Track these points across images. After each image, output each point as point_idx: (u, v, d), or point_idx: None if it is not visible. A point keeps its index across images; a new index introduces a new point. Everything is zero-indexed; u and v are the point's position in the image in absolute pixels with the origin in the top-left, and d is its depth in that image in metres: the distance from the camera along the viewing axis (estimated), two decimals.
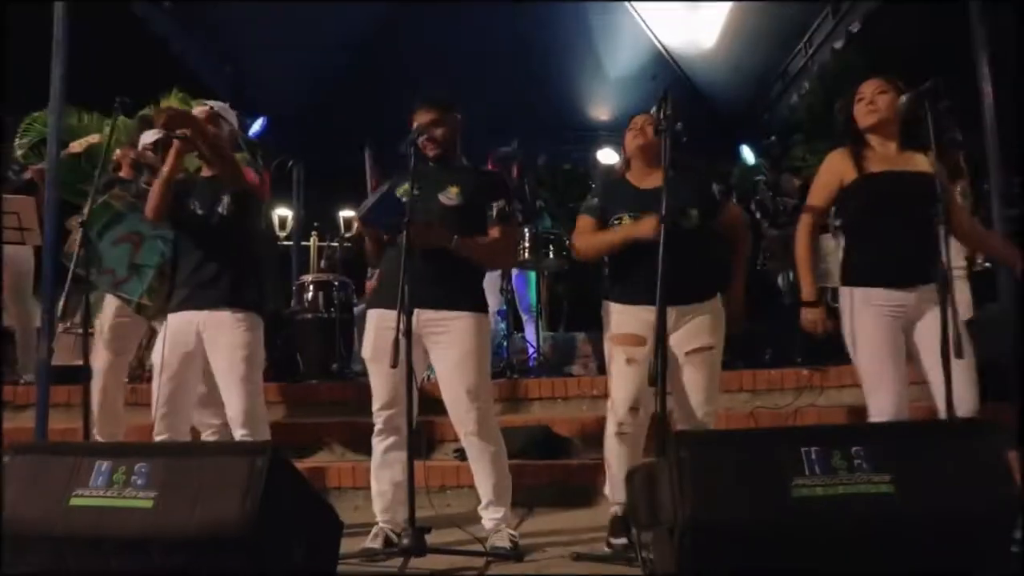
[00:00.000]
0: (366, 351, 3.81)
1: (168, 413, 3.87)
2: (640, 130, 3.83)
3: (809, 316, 3.66)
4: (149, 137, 5.03)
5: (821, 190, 3.67)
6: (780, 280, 6.64)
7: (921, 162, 3.50)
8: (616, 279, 3.83)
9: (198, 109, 4.25)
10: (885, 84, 3.60)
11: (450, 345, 3.67)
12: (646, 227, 3.49)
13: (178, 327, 3.91)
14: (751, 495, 2.58)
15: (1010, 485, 2.64)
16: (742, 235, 3.91)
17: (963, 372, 3.26)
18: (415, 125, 3.77)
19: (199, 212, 3.97)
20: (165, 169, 3.92)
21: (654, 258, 3.28)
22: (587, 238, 3.82)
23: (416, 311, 3.50)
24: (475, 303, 3.76)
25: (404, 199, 3.59)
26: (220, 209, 3.95)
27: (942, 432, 2.90)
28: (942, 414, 3.34)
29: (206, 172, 4.11)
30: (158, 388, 3.87)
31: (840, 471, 2.59)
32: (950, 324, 3.13)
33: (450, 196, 3.73)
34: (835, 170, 3.63)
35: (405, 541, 3.30)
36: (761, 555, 2.59)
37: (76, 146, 6.38)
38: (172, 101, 10.71)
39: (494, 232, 3.77)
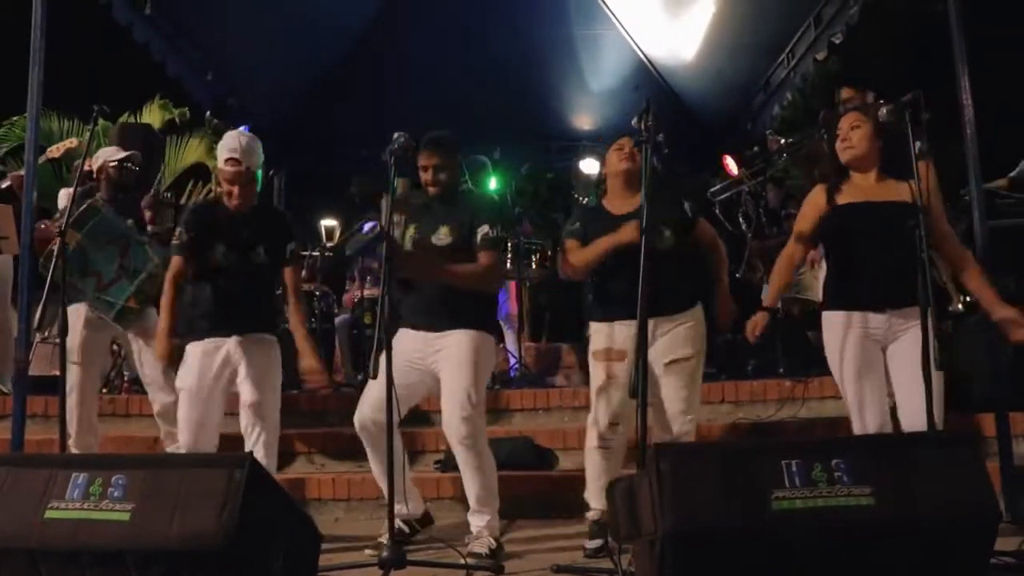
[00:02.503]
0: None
1: (198, 439, 3.94)
2: (629, 155, 3.93)
3: (755, 318, 3.87)
4: (113, 155, 5.02)
5: (803, 220, 3.83)
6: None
7: (900, 190, 3.57)
8: (597, 299, 4.00)
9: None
10: (860, 118, 3.73)
11: (449, 356, 3.84)
12: (627, 231, 3.65)
13: (205, 352, 4.01)
14: (731, 507, 2.58)
15: (989, 496, 2.65)
16: (716, 246, 4.10)
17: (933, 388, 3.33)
18: (420, 165, 3.94)
19: (231, 254, 4.03)
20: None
21: (630, 274, 3.40)
22: (577, 253, 3.94)
23: (425, 335, 3.86)
24: (474, 321, 3.90)
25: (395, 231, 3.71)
26: (257, 259, 4.06)
27: (922, 444, 2.90)
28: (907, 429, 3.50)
29: (231, 202, 4.07)
30: (187, 412, 3.96)
31: (820, 483, 2.60)
32: (931, 340, 3.19)
33: (440, 237, 3.91)
34: (814, 202, 3.78)
35: (385, 554, 3.28)
36: (741, 567, 2.60)
37: (54, 151, 6.34)
38: (154, 109, 10.73)
39: (481, 258, 3.88)
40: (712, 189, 7.38)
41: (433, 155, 3.93)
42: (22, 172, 5.62)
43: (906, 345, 3.49)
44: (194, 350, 4.03)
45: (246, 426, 3.98)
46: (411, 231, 3.94)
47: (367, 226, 6.99)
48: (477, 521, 3.84)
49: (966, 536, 2.64)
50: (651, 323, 3.58)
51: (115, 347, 5.55)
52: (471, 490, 3.84)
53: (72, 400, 4.55)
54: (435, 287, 3.85)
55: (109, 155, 5.05)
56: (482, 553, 3.66)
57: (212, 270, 4.04)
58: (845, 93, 5.26)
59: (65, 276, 3.97)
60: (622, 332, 3.82)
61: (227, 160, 4.04)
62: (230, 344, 4.00)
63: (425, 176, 3.96)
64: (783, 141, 6.21)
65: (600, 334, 3.93)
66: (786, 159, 6.38)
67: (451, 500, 4.59)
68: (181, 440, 3.97)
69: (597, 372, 3.90)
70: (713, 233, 4.13)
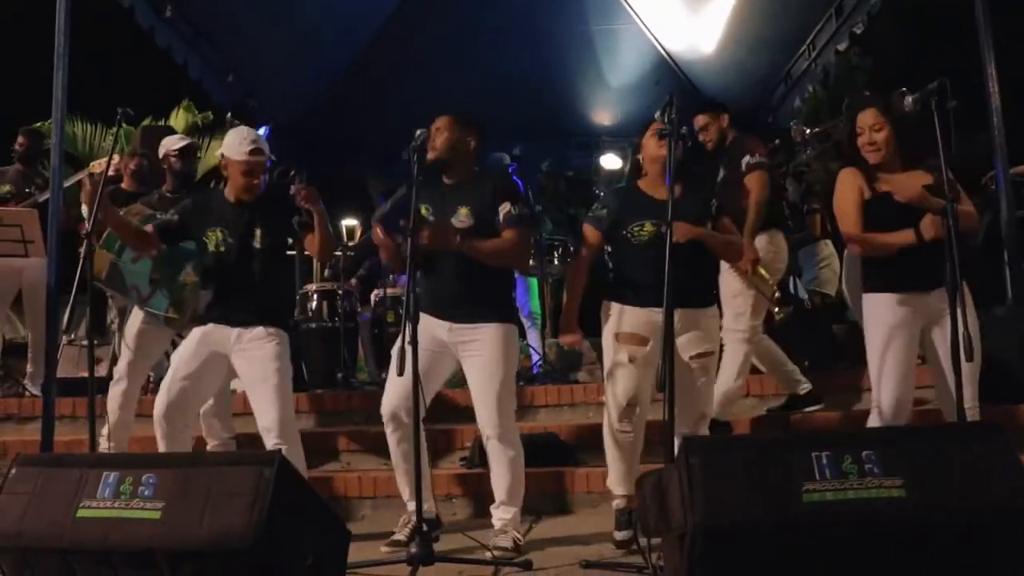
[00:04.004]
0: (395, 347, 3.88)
1: (172, 409, 3.91)
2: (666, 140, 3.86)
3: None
4: (175, 143, 5.02)
5: (852, 211, 3.73)
6: (790, 286, 6.62)
7: (921, 181, 3.59)
8: (623, 283, 3.93)
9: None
10: (879, 118, 3.69)
11: (479, 353, 3.80)
12: (627, 339, 3.80)
13: (209, 334, 4.02)
14: (761, 500, 2.57)
15: (1022, 487, 2.62)
16: (738, 237, 4.09)
17: (967, 375, 3.34)
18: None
19: (229, 241, 4.05)
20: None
21: (659, 264, 3.40)
22: (570, 274, 4.12)
23: (449, 325, 3.80)
24: (503, 314, 3.89)
25: (397, 196, 3.65)
26: (255, 243, 4.05)
27: (953, 435, 2.89)
28: (947, 415, 3.53)
29: (230, 194, 4.12)
30: (170, 383, 3.93)
31: (851, 475, 2.59)
32: (960, 327, 3.17)
33: (461, 219, 3.80)
34: (854, 186, 3.73)
35: (413, 549, 3.29)
36: (772, 560, 2.58)
37: (96, 166, 6.39)
38: (180, 112, 10.81)
39: (506, 234, 3.83)
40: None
41: (442, 118, 3.89)
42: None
43: (945, 332, 3.44)
44: (198, 331, 4.06)
45: (261, 428, 3.96)
46: (422, 211, 3.84)
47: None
48: (502, 514, 3.83)
49: (999, 527, 2.61)
50: (677, 314, 3.57)
51: (169, 348, 5.55)
52: (501, 484, 3.83)
53: (117, 389, 4.57)
54: (455, 275, 3.78)
55: (171, 144, 5.01)
56: (507, 547, 3.67)
57: (214, 259, 4.08)
58: (700, 120, 5.20)
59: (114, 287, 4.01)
60: (646, 319, 3.77)
61: (252, 151, 4.02)
62: (232, 335, 3.99)
63: (432, 141, 3.85)
64: (808, 131, 6.15)
65: (622, 315, 3.85)
66: (810, 152, 6.34)
67: (477, 496, 4.59)
68: (156, 402, 3.94)
69: (616, 353, 3.83)
70: (734, 227, 4.07)
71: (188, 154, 5.01)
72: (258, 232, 4.05)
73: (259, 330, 3.98)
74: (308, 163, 9.35)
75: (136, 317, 4.69)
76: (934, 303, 3.58)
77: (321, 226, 4.02)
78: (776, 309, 4.73)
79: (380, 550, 3.73)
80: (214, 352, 3.99)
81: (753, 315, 4.83)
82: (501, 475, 3.83)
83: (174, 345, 5.43)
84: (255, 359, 3.96)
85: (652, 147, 3.88)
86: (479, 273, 3.78)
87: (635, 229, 3.81)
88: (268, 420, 3.90)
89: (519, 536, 3.80)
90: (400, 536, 3.79)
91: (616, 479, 3.90)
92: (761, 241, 4.83)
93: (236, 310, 4.02)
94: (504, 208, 3.82)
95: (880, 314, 3.66)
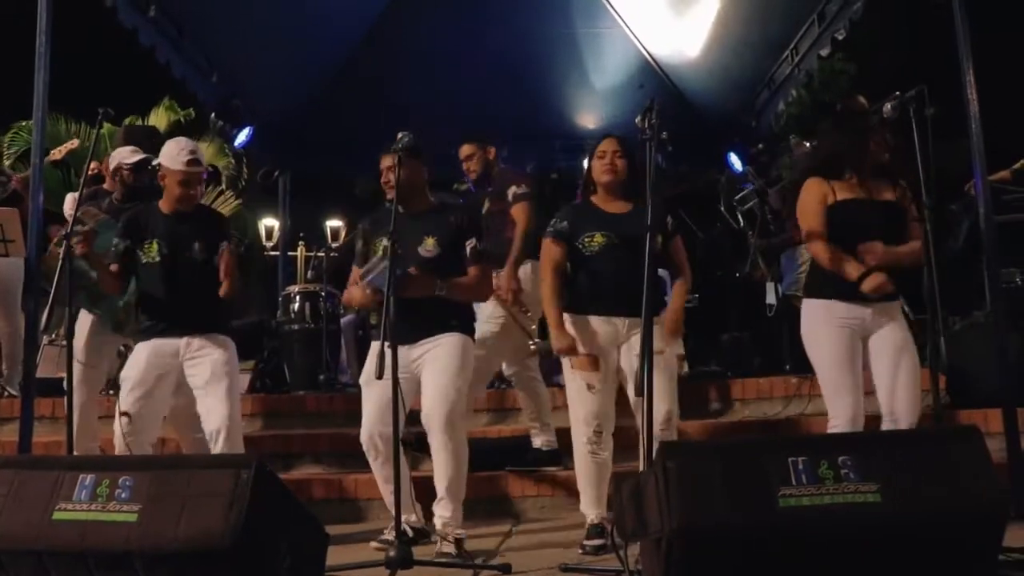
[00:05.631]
0: (362, 376, 4.00)
1: (135, 430, 3.97)
2: (610, 163, 3.97)
3: (869, 283, 3.62)
4: (128, 157, 4.99)
5: (814, 215, 3.77)
6: (768, 290, 6.65)
7: (885, 191, 3.72)
8: (577, 293, 3.97)
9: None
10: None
11: (435, 357, 3.90)
12: (582, 364, 3.81)
13: (157, 349, 4.09)
14: (738, 505, 2.58)
15: (996, 492, 2.64)
16: (685, 266, 4.07)
17: (913, 381, 3.53)
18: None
19: (164, 252, 4.11)
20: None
21: (612, 272, 3.73)
22: (545, 289, 3.98)
23: (407, 347, 3.78)
24: (457, 326, 3.96)
25: (382, 256, 3.73)
26: (195, 255, 4.11)
27: (929, 440, 2.90)
28: (885, 420, 3.62)
29: (165, 206, 4.19)
30: (127, 404, 3.99)
31: (827, 480, 2.60)
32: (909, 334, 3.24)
33: (428, 248, 3.94)
34: (819, 193, 3.77)
35: (391, 553, 3.29)
36: (748, 565, 2.59)
37: (56, 153, 6.36)
38: (162, 111, 10.77)
39: (472, 271, 3.98)
40: (736, 198, 7.40)
41: (387, 157, 3.99)
42: (26, 174, 5.66)
43: (889, 337, 3.60)
44: (143, 347, 4.11)
45: (209, 433, 4.00)
46: (383, 242, 3.88)
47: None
48: (443, 511, 3.83)
49: (974, 532, 2.63)
50: (625, 322, 3.80)
51: (122, 348, 5.55)
52: (442, 478, 3.84)
53: (74, 402, 4.56)
54: (409, 305, 3.71)
55: (124, 157, 4.99)
56: (452, 553, 3.65)
57: (152, 271, 4.12)
58: (465, 150, 5.22)
59: (71, 280, 3.98)
60: (591, 329, 3.86)
61: (189, 161, 4.11)
62: (180, 345, 4.06)
63: (383, 179, 4.03)
64: (808, 145, 6.18)
65: (578, 326, 3.89)
66: (796, 160, 6.37)
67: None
68: (116, 425, 3.98)
69: (574, 380, 3.89)
70: (684, 251, 4.10)
71: (141, 168, 4.96)
72: (196, 245, 4.10)
73: (208, 336, 4.08)
74: (294, 164, 9.38)
75: (83, 327, 4.67)
76: (875, 316, 3.65)
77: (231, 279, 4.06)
78: (531, 341, 4.78)
79: (371, 546, 3.80)
80: (164, 366, 4.06)
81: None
82: (445, 468, 3.83)
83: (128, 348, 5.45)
84: (205, 361, 4.04)
85: (596, 169, 4.02)
86: (433, 298, 3.85)
87: (586, 240, 3.92)
88: (218, 420, 3.95)
89: (461, 533, 3.79)
90: (389, 536, 3.75)
91: (590, 502, 3.91)
92: (524, 271, 4.85)
93: (181, 321, 4.08)
94: (470, 243, 3.99)
95: (818, 320, 3.71)
